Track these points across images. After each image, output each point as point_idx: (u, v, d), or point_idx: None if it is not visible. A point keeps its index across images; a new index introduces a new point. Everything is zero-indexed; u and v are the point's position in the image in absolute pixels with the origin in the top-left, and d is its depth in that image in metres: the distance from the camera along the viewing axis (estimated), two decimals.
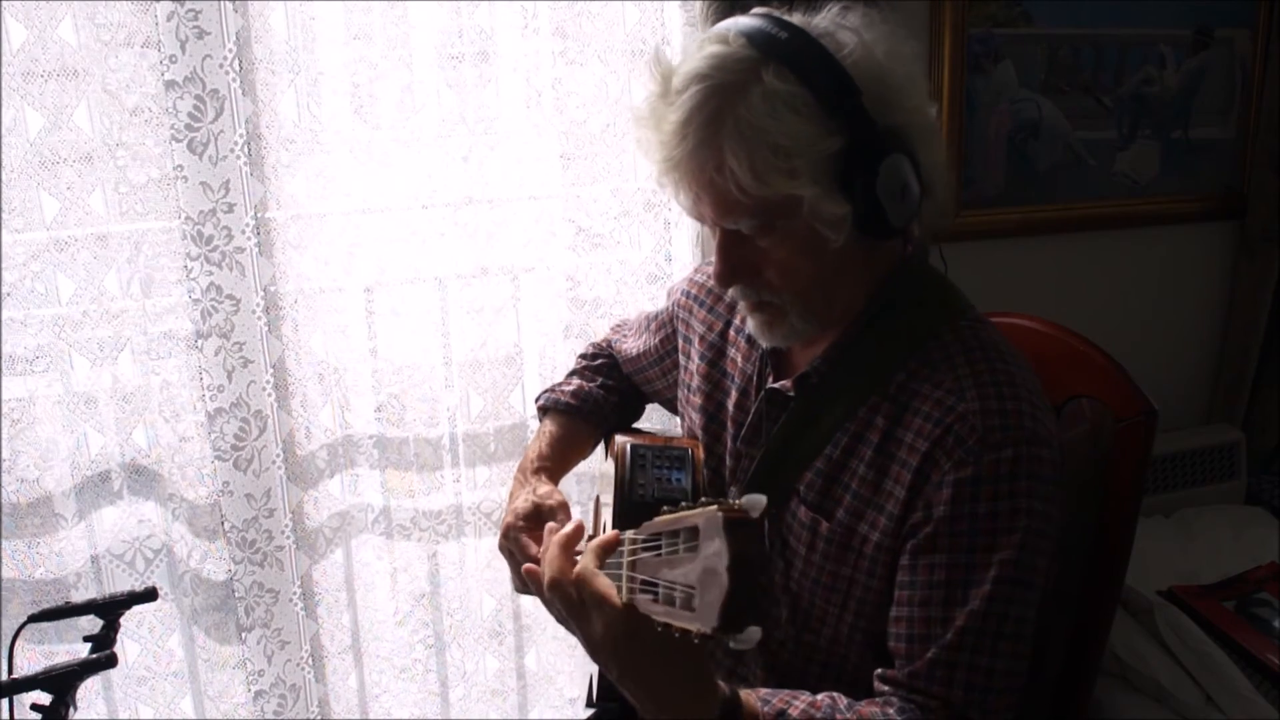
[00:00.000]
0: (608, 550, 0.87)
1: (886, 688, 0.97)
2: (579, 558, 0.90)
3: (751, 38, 0.94)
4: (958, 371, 0.98)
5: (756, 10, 0.98)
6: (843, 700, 0.95)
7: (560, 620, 0.96)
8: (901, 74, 0.97)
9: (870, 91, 0.93)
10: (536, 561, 1.15)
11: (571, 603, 0.88)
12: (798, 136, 0.91)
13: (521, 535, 1.17)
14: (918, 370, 1.01)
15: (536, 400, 1.42)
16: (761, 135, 0.91)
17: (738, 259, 1.01)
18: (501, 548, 1.21)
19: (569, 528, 0.95)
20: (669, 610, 0.73)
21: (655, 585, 0.77)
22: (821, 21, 0.97)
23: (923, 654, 0.94)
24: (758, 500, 0.68)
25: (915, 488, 0.97)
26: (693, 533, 0.70)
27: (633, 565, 0.82)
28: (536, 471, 1.27)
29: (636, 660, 0.84)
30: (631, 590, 0.82)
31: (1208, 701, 1.57)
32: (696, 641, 0.69)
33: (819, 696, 0.95)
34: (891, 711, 0.93)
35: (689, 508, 0.73)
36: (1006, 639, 0.93)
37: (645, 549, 0.80)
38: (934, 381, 0.99)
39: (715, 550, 0.66)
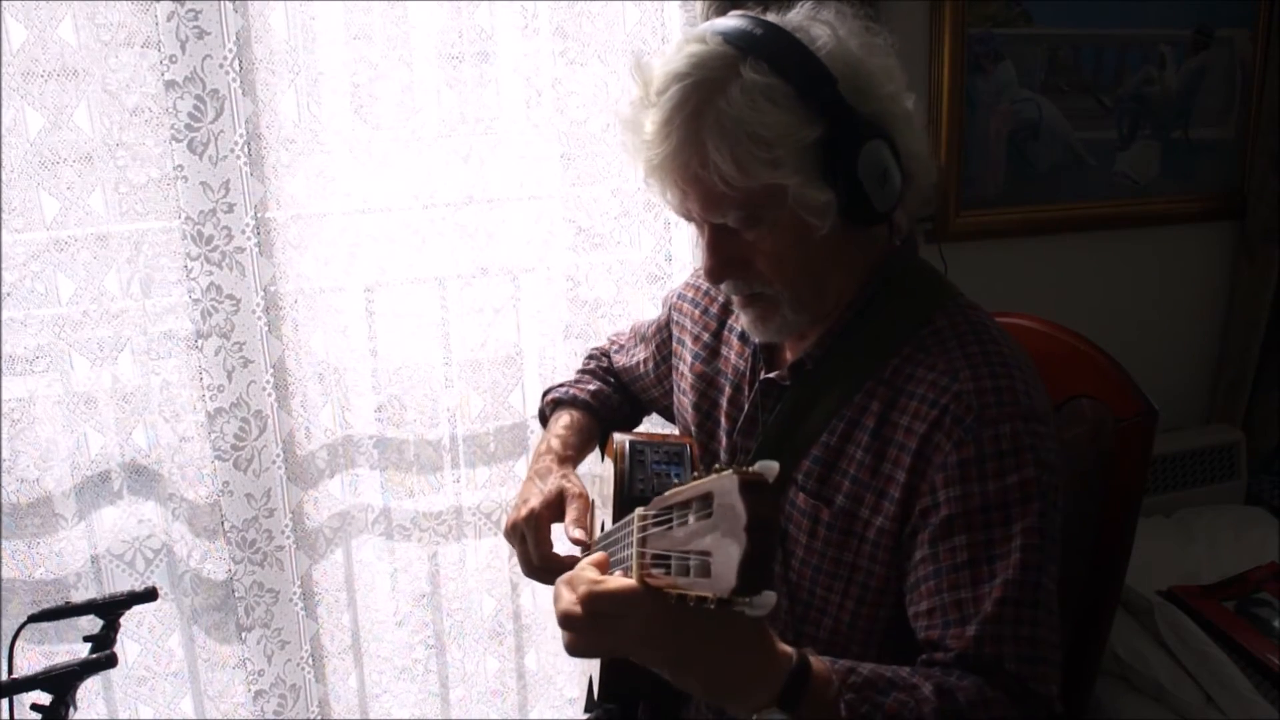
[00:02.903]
0: (604, 567, 0.84)
1: (936, 669, 0.94)
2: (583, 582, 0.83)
3: (728, 36, 0.96)
4: (950, 354, 1.00)
5: (733, 13, 1.01)
6: (904, 669, 0.92)
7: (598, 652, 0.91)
8: (875, 63, 0.99)
9: (846, 80, 0.95)
10: (550, 550, 1.15)
11: (593, 625, 0.81)
12: (777, 126, 0.93)
13: (545, 524, 1.17)
14: (912, 354, 1.02)
15: (548, 394, 1.41)
16: (742, 127, 0.93)
17: (727, 254, 1.03)
18: (515, 532, 1.18)
19: (569, 575, 0.85)
20: (683, 580, 0.71)
21: (668, 557, 0.75)
22: (795, 17, 1.00)
23: (964, 634, 0.92)
24: (771, 465, 0.67)
25: (917, 470, 0.97)
26: (706, 500, 0.69)
27: (643, 541, 0.81)
28: (564, 460, 1.27)
29: (693, 641, 0.78)
30: (643, 566, 0.80)
31: (1208, 701, 1.57)
32: (713, 608, 0.67)
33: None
34: (952, 677, 0.90)
35: (700, 477, 0.71)
36: (1043, 608, 0.93)
37: (655, 524, 0.78)
38: (928, 365, 1.00)
39: (732, 513, 0.65)
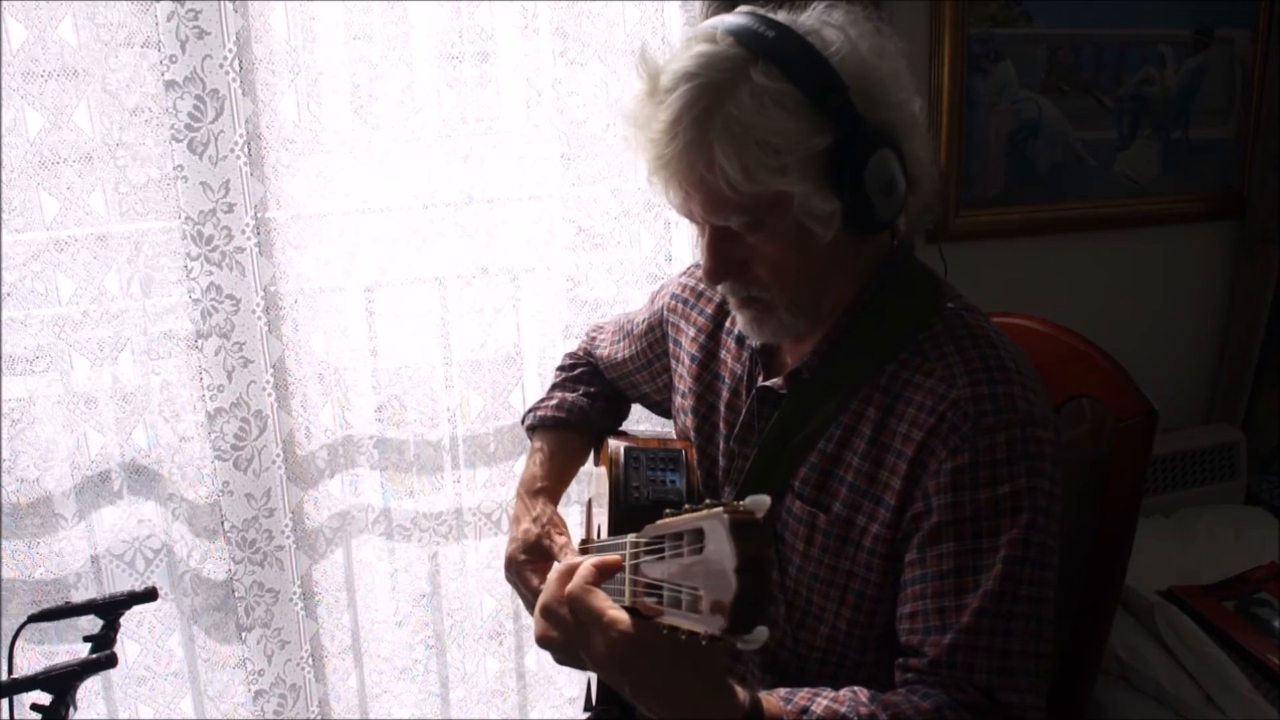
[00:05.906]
0: (604, 573, 0.85)
1: (909, 675, 0.96)
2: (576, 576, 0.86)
3: (739, 36, 0.94)
4: (948, 360, 0.99)
5: (742, 9, 0.98)
6: (864, 693, 0.94)
7: (564, 657, 0.91)
8: (886, 70, 0.97)
9: (857, 88, 0.94)
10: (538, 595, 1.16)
11: (566, 625, 0.85)
12: (787, 133, 0.92)
13: (525, 569, 1.19)
14: (908, 360, 1.01)
15: (522, 421, 1.42)
16: (751, 132, 0.91)
17: (727, 255, 1.01)
18: (507, 578, 1.24)
19: (569, 561, 0.89)
20: (674, 612, 0.73)
21: (659, 587, 0.77)
22: (807, 19, 0.98)
23: (941, 642, 0.94)
24: (762, 501, 0.68)
25: (912, 477, 0.97)
26: (697, 535, 0.70)
27: (635, 569, 0.82)
28: (536, 494, 1.28)
29: (648, 672, 0.82)
30: (635, 593, 0.82)
31: (1208, 701, 1.57)
32: (704, 644, 0.69)
33: (840, 691, 0.94)
34: (915, 698, 0.93)
35: (692, 510, 0.73)
36: (1020, 618, 0.93)
37: (648, 552, 0.80)
38: (925, 370, 1.00)
39: (722, 552, 0.66)
